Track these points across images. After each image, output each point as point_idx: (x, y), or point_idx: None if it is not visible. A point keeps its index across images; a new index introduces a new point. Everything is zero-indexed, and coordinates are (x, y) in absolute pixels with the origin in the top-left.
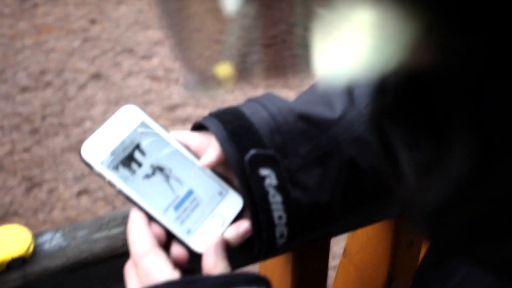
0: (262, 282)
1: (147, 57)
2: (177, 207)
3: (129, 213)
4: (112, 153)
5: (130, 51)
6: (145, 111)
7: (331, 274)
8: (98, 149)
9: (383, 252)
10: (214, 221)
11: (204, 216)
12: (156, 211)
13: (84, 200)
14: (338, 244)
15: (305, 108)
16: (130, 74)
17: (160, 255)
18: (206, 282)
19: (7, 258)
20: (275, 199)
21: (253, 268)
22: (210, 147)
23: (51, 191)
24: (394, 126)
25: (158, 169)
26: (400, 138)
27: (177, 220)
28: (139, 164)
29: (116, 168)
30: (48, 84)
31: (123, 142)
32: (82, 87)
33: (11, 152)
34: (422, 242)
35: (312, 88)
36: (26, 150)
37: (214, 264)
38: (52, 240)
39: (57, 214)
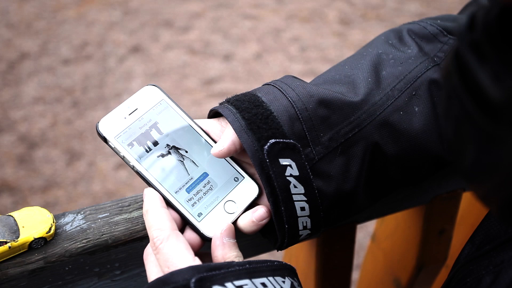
0: (287, 270)
1: (185, 30)
2: (189, 189)
3: (144, 193)
4: (128, 129)
5: (168, 24)
6: (165, 92)
7: (363, 254)
8: (115, 124)
9: (413, 238)
10: (227, 207)
11: (217, 201)
12: (167, 191)
13: (122, 174)
14: (373, 225)
15: (326, 91)
16: (168, 47)
17: (180, 239)
18: (230, 270)
19: (29, 239)
20: (297, 190)
21: (279, 253)
22: (223, 136)
23: (90, 164)
24: (482, 61)
25: (173, 149)
26: (488, 72)
27: (188, 202)
28: (155, 143)
29: (131, 144)
30: (89, 56)
31: (140, 120)
32: (121, 59)
33: (53, 124)
34: (454, 230)
35: (339, 65)
36: (67, 122)
37: (222, 256)
38: (74, 222)
39: (96, 187)
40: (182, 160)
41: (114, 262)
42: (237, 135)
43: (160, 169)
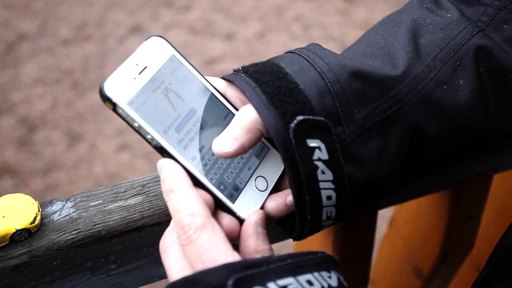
0: (331, 263)
1: (186, 9)
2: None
3: (162, 165)
4: (141, 93)
5: (169, 3)
6: (173, 45)
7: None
8: (125, 86)
9: (437, 224)
10: (258, 183)
11: (247, 177)
12: (198, 171)
13: (124, 156)
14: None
15: (360, 63)
16: (168, 27)
17: (217, 229)
18: (271, 267)
19: (11, 230)
20: (325, 176)
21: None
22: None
23: (91, 146)
24: None
25: (199, 119)
26: None
27: (216, 181)
28: (175, 109)
29: (148, 112)
30: (88, 37)
31: (152, 81)
32: (121, 40)
33: (53, 107)
34: (482, 215)
35: (368, 36)
36: (68, 104)
37: (255, 248)
38: (62, 211)
39: (97, 169)
40: (203, 130)
41: (109, 255)
42: (257, 111)
43: (185, 144)
